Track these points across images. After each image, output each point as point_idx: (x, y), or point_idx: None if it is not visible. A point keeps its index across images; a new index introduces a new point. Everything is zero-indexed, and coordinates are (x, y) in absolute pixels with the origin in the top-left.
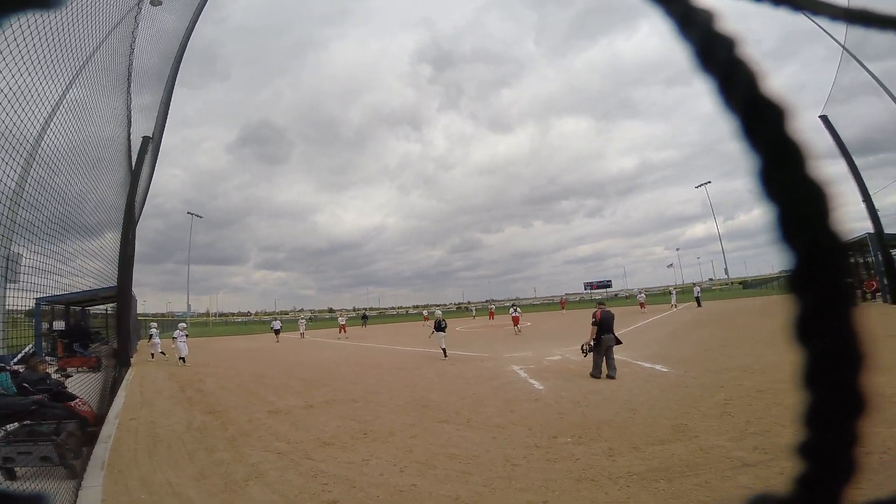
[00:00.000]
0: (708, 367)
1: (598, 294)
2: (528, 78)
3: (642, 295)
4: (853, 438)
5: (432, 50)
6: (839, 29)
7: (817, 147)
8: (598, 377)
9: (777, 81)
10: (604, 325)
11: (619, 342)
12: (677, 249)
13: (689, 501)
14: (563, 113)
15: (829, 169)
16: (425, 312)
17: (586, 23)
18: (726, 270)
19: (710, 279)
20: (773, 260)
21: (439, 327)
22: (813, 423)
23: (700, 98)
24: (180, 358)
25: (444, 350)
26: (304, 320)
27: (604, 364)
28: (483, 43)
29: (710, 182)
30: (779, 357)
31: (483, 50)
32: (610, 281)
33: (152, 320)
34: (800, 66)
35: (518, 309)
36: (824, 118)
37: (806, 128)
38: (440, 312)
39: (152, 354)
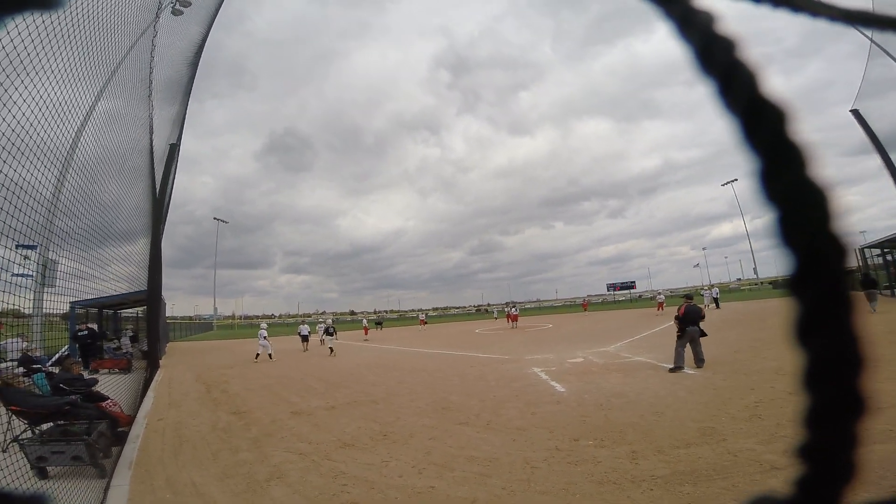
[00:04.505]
0: (737, 369)
1: (622, 296)
2: (546, 82)
3: (661, 296)
4: (853, 440)
5: (450, 56)
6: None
7: (848, 142)
8: (675, 371)
9: (801, 79)
10: (687, 319)
11: (703, 334)
12: (703, 249)
13: None
14: (584, 115)
15: (861, 164)
16: (422, 316)
17: (603, 27)
18: (755, 270)
19: (739, 279)
20: None
21: (328, 332)
22: (813, 424)
23: None
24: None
25: (331, 349)
26: (323, 325)
27: (687, 354)
28: (500, 49)
29: (736, 180)
30: None
31: (500, 56)
32: (633, 282)
33: (262, 321)
34: (826, 63)
35: (516, 308)
36: (855, 112)
37: (832, 124)
38: (331, 320)
39: (257, 355)
